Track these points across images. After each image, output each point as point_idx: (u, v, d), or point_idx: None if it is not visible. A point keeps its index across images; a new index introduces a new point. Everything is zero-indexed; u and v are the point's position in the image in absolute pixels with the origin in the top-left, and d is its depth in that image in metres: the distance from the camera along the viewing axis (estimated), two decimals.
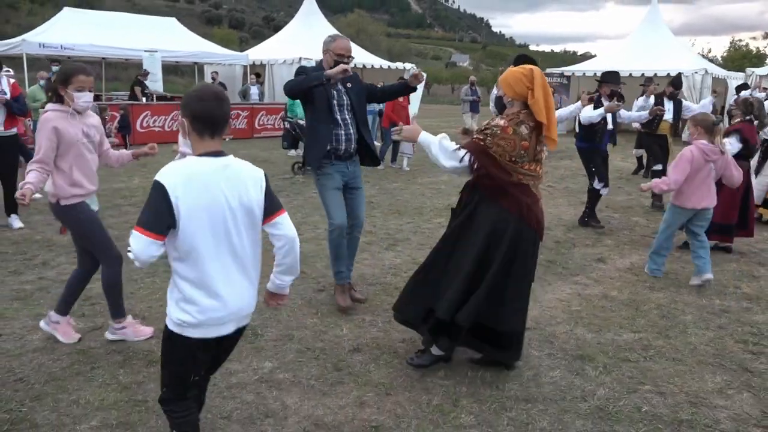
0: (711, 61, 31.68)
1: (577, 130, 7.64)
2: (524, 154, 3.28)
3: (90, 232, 3.75)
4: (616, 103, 7.12)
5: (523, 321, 3.53)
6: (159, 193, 2.13)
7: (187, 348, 2.30)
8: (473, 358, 3.76)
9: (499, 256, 3.34)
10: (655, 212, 8.47)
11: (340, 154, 4.40)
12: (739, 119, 6.54)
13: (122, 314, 3.92)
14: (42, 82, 10.83)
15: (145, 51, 16.14)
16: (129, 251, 2.18)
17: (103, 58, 19.07)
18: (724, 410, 3.29)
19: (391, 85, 4.98)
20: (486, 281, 3.35)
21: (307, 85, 4.23)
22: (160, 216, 2.13)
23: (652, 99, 8.86)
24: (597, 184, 7.36)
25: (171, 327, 2.29)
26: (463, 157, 3.36)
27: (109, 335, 3.93)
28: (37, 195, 4.10)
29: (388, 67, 21.19)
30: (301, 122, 10.06)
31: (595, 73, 18.11)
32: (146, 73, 16.08)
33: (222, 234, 2.22)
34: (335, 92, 4.38)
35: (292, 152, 12.27)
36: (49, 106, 3.65)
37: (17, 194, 3.33)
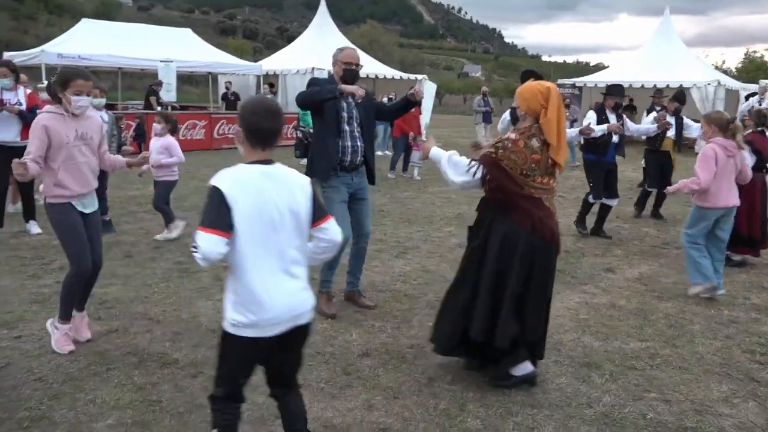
0: (725, 72, 31.57)
1: (582, 141, 7.71)
2: (535, 167, 3.30)
3: (64, 235, 3.78)
4: (618, 125, 7.15)
5: (544, 329, 3.59)
6: (217, 196, 2.22)
7: (242, 347, 2.37)
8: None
9: (514, 270, 3.36)
10: (664, 223, 8.47)
11: (345, 166, 4.48)
12: (751, 130, 6.55)
13: (64, 317, 3.89)
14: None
15: (161, 61, 16.38)
16: (194, 251, 2.24)
17: (120, 68, 19.40)
18: (729, 418, 3.32)
19: (396, 102, 5.07)
20: (507, 298, 3.37)
21: (320, 98, 4.32)
22: (222, 215, 2.21)
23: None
24: (590, 198, 7.44)
25: (227, 328, 2.37)
26: (475, 170, 3.37)
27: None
28: (37, 196, 4.19)
29: (400, 77, 21.33)
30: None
31: (606, 84, 18.12)
32: (160, 83, 16.32)
33: (271, 237, 2.30)
34: (345, 104, 4.48)
35: (304, 161, 12.38)
36: (45, 107, 3.79)
37: (15, 161, 3.47)
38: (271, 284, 2.31)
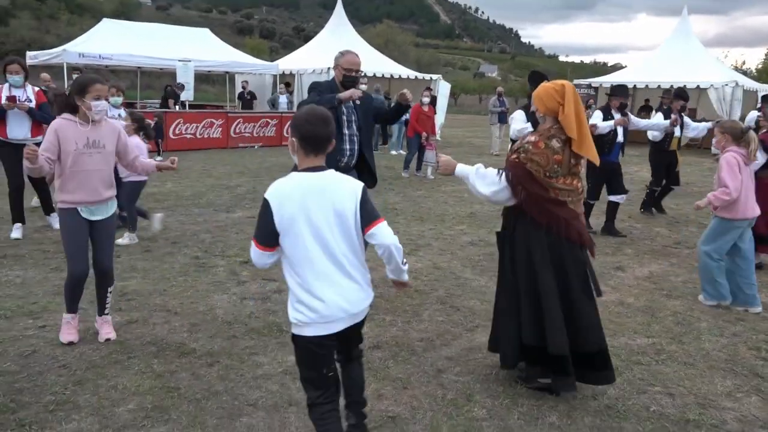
0: (744, 73, 31.26)
1: None
2: (558, 168, 3.29)
3: (64, 238, 3.90)
4: (623, 118, 7.27)
5: (601, 337, 3.42)
6: (265, 208, 2.44)
7: (305, 346, 2.53)
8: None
9: (548, 277, 3.31)
10: (676, 223, 8.50)
11: (341, 167, 4.61)
12: (765, 131, 6.55)
13: (71, 310, 4.03)
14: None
15: (179, 61, 16.65)
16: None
17: (139, 68, 19.69)
18: (731, 412, 3.38)
19: (390, 108, 5.18)
20: (547, 304, 3.31)
21: None
22: (267, 229, 2.44)
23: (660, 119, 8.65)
24: (589, 199, 7.48)
25: (292, 329, 2.54)
26: (502, 176, 3.34)
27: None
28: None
29: (416, 77, 21.41)
30: None
31: (611, 85, 18.03)
32: (182, 87, 16.60)
33: (321, 241, 2.44)
34: (345, 109, 4.61)
35: None
36: (63, 115, 3.82)
37: (27, 147, 3.55)
38: (325, 284, 2.46)
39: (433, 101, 13.70)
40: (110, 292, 4.12)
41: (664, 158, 8.80)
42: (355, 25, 25.12)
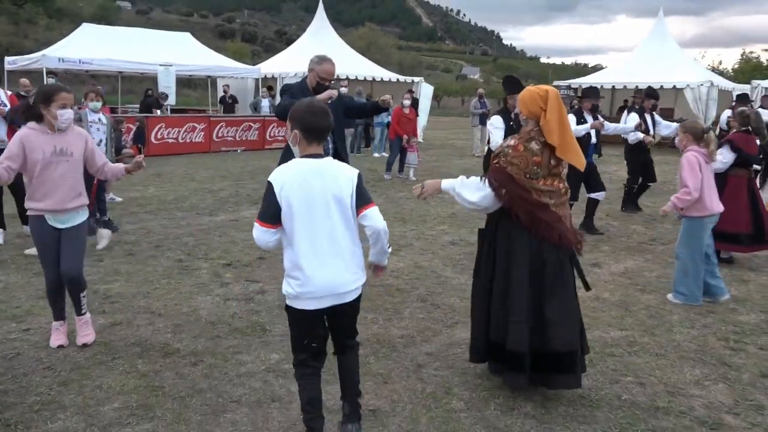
0: (721, 73, 31.81)
1: None
2: (537, 170, 3.35)
3: (36, 247, 4.04)
4: (600, 121, 7.49)
5: (574, 339, 3.41)
6: (269, 190, 2.66)
7: (294, 317, 2.79)
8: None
9: (522, 275, 3.37)
10: (652, 221, 8.68)
11: None
12: (735, 130, 6.74)
13: (57, 318, 4.07)
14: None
15: (160, 65, 16.63)
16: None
17: (120, 72, 19.63)
18: (699, 399, 3.52)
19: (365, 103, 5.29)
20: (513, 300, 3.38)
21: None
22: (270, 208, 2.65)
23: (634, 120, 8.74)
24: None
25: (286, 300, 2.78)
26: (485, 181, 3.40)
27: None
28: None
29: (398, 80, 21.54)
30: None
31: (601, 86, 18.33)
32: (165, 96, 16.60)
33: (318, 221, 2.67)
34: None
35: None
36: (28, 124, 3.80)
37: None
38: (315, 263, 2.66)
39: (415, 104, 13.83)
40: (84, 296, 4.06)
41: (639, 156, 9.01)
42: (337, 28, 25.20)
